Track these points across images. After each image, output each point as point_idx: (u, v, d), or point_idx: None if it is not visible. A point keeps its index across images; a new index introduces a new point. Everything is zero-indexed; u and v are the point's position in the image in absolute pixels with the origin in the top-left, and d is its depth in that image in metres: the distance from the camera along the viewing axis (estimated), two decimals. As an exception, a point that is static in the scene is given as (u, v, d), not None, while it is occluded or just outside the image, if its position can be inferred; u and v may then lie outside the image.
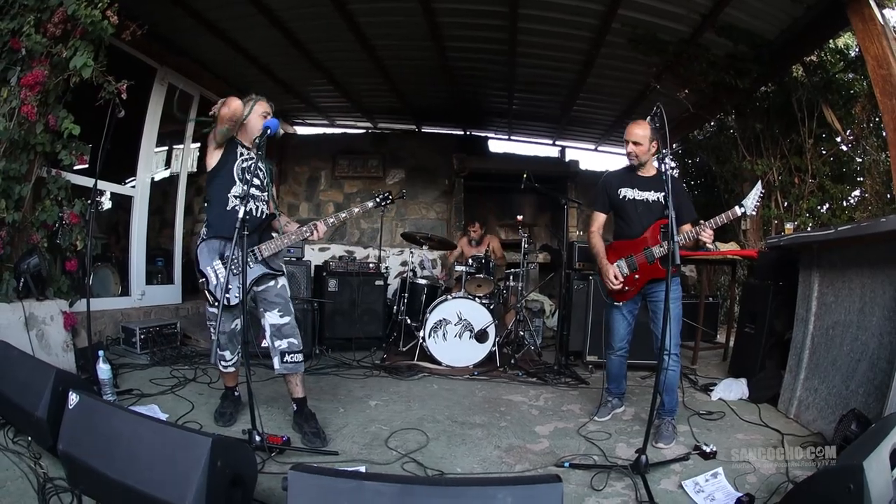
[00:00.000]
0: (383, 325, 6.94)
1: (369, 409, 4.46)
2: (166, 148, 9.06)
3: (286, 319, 3.73)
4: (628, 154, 4.05)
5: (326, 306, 6.54)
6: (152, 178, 7.20)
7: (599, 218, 4.29)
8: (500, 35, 6.80)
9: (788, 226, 5.85)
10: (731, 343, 6.37)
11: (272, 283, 3.74)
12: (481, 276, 6.62)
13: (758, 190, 3.57)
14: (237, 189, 3.67)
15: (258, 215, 3.71)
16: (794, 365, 4.51)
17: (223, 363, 3.87)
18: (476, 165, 10.34)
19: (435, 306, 6.12)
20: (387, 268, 7.34)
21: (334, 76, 8.51)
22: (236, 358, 3.90)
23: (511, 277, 7.16)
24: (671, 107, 3.77)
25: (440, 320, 6.03)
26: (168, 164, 9.22)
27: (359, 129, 11.44)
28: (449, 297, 6.20)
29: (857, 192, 7.53)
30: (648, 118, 3.54)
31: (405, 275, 7.13)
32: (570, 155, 11.57)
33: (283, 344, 3.69)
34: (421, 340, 6.09)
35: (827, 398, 4.01)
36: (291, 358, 3.71)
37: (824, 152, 7.09)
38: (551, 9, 6.07)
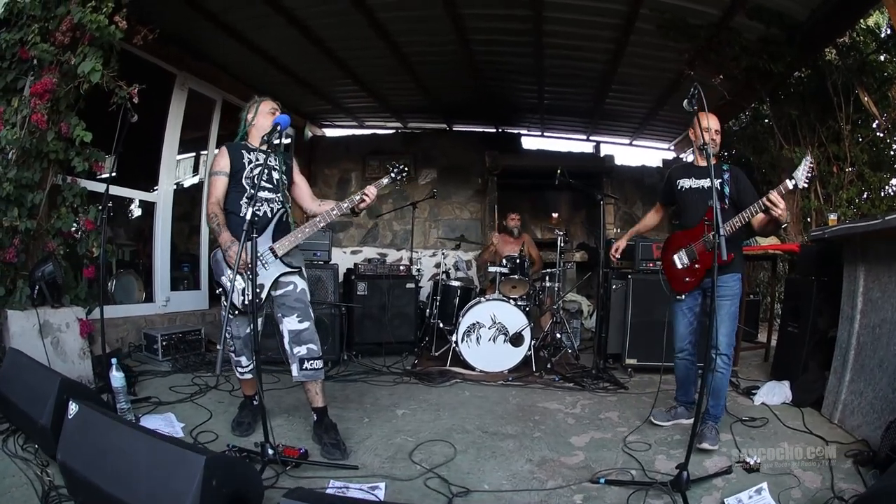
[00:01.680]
0: (415, 329, 6.74)
1: (396, 418, 4.25)
2: (193, 154, 9.06)
3: (305, 325, 3.57)
4: (709, 143, 3.72)
5: (356, 311, 6.36)
6: (181, 184, 7.18)
7: (657, 207, 4.48)
8: (526, 26, 6.56)
9: (832, 216, 5.50)
10: (773, 343, 6.09)
11: (291, 287, 3.59)
12: (516, 276, 6.35)
13: (807, 162, 3.31)
14: (250, 194, 3.53)
15: (272, 216, 3.57)
16: (838, 366, 4.21)
17: (240, 369, 3.75)
18: (509, 163, 10.15)
19: (468, 309, 5.90)
20: (418, 270, 7.13)
21: (358, 76, 8.35)
22: (253, 364, 3.73)
23: (547, 278, 6.90)
24: (706, 96, 3.52)
25: (473, 324, 5.81)
26: (196, 170, 9.21)
27: (388, 129, 11.28)
28: (482, 299, 5.97)
29: (895, 181, 7.13)
30: (686, 101, 3.29)
31: (438, 277, 6.90)
32: (605, 150, 11.29)
33: (301, 350, 3.54)
34: (453, 345, 5.87)
35: (873, 402, 3.71)
36: (311, 364, 3.55)
37: (861, 139, 6.71)
38: (577, -5, 5.85)
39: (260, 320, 3.66)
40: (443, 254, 7.24)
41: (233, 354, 3.69)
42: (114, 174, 4.72)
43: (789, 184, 3.34)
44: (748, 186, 3.86)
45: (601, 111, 9.46)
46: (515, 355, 5.76)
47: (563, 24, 6.45)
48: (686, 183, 4.02)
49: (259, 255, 3.41)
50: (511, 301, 5.92)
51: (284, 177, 3.71)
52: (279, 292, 3.58)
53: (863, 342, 3.98)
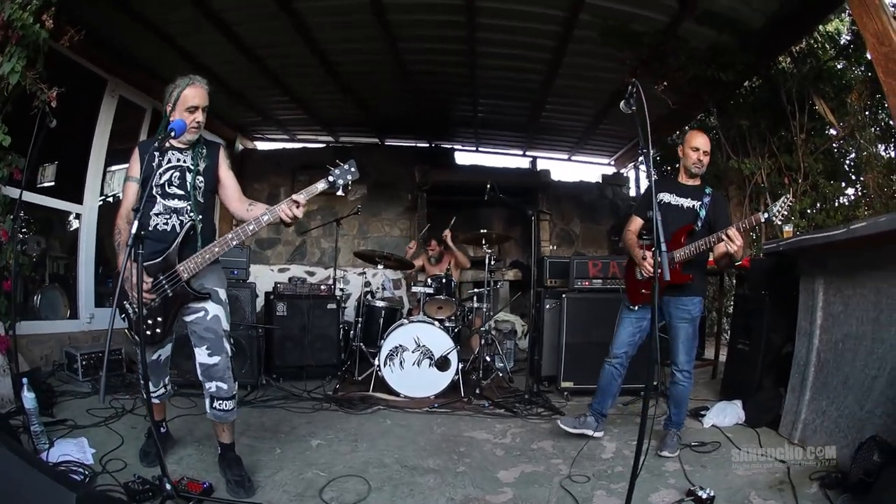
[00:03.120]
0: (338, 351, 6.46)
1: (310, 450, 3.99)
2: (127, 165, 8.67)
3: (215, 360, 3.24)
4: (695, 163, 3.98)
5: (276, 332, 6.08)
6: (116, 196, 6.84)
7: (636, 221, 4.19)
8: (458, 33, 6.46)
9: (787, 228, 5.43)
10: (721, 360, 6.03)
11: (201, 314, 3.25)
12: (442, 297, 6.17)
13: (787, 200, 3.47)
14: (159, 207, 3.21)
15: (179, 230, 3.21)
16: (797, 384, 4.14)
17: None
18: (440, 178, 10.08)
19: (391, 331, 5.65)
20: (342, 289, 6.89)
21: (288, 85, 8.16)
22: (162, 390, 3.52)
23: (475, 298, 6.68)
24: (648, 105, 3.35)
25: (396, 347, 5.56)
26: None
27: (320, 143, 11.11)
28: (405, 321, 5.76)
29: (850, 190, 7.30)
30: (623, 102, 3.06)
31: (361, 297, 6.67)
32: (542, 166, 11.34)
33: (211, 387, 3.26)
34: (376, 369, 5.61)
35: (837, 421, 3.64)
36: (221, 405, 3.27)
37: (815, 149, 6.74)
38: None
39: (170, 346, 3.47)
40: (363, 273, 6.95)
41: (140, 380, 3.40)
42: (47, 183, 4.42)
43: (762, 216, 3.46)
44: (725, 215, 3.94)
45: (538, 125, 9.45)
46: (442, 380, 5.53)
47: (498, 32, 6.36)
48: (667, 198, 4.01)
49: (162, 279, 3.14)
50: (436, 323, 5.71)
51: (201, 178, 3.32)
52: (190, 318, 3.27)
53: (824, 359, 3.93)
